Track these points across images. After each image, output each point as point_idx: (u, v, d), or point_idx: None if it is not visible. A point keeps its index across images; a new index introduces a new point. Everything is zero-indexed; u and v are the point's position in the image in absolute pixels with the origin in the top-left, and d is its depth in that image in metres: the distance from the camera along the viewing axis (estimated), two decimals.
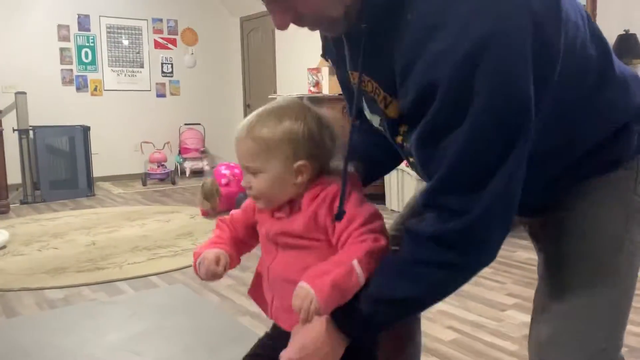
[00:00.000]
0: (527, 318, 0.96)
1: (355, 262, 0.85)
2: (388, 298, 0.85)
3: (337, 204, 0.88)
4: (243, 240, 1.04)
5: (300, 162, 0.89)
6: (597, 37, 0.86)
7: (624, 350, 1.91)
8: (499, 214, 0.78)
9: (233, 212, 1.06)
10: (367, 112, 0.96)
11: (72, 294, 2.70)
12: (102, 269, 3.05)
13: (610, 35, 4.58)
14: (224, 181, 4.36)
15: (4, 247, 3.53)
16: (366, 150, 1.05)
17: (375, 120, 0.95)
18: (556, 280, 0.90)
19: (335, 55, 0.97)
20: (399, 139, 0.88)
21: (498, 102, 0.71)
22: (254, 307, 2.48)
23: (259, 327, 2.23)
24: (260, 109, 0.94)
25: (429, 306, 0.89)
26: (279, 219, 0.94)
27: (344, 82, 1.00)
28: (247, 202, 1.03)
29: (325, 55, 1.03)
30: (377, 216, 0.91)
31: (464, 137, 0.73)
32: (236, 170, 4.45)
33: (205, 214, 4.40)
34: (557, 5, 0.74)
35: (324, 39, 1.01)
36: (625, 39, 4.46)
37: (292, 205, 0.93)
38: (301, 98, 0.96)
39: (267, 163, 0.89)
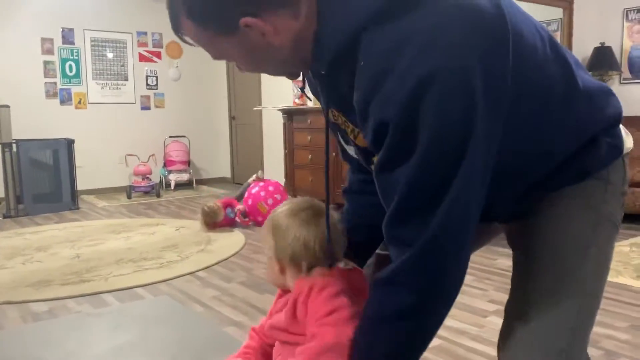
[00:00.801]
0: None
1: None
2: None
3: (313, 297, 0.93)
4: (272, 347, 1.07)
5: (281, 258, 0.98)
6: (560, 54, 0.89)
7: (600, 353, 1.96)
8: (448, 242, 0.79)
9: (263, 319, 1.11)
10: (344, 144, 1.03)
11: (57, 306, 2.69)
12: (87, 282, 3.04)
13: (587, 48, 4.71)
14: (270, 201, 4.49)
15: None
16: (364, 215, 1.10)
17: (351, 151, 1.01)
18: (524, 283, 0.94)
19: (314, 91, 1.05)
20: (372, 167, 0.92)
21: (441, 135, 0.74)
22: (239, 317, 2.50)
23: (243, 337, 2.24)
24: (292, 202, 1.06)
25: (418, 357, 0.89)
26: (276, 313, 1.01)
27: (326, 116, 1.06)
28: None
29: (303, 89, 1.07)
30: (341, 308, 0.92)
31: (411, 169, 0.77)
32: (270, 188, 4.57)
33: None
34: (505, 37, 0.77)
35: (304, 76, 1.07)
36: (602, 51, 4.58)
37: (286, 300, 0.98)
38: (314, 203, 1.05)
39: (266, 243, 1.02)
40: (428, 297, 0.82)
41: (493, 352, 2.06)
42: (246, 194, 4.55)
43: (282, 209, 1.01)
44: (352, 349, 0.88)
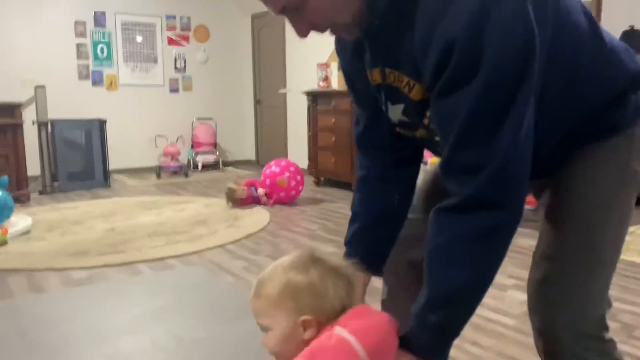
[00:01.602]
0: (526, 297, 1.04)
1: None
2: (447, 298, 0.86)
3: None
4: None
5: (304, 317, 0.84)
6: (585, 7, 0.94)
7: (617, 326, 2.02)
8: (518, 159, 0.82)
9: None
10: (387, 108, 1.02)
11: (95, 274, 2.85)
12: (122, 252, 3.20)
13: (615, 31, 4.66)
14: (286, 174, 4.59)
15: (27, 232, 3.70)
16: (380, 209, 1.10)
17: (396, 113, 1.00)
18: (552, 233, 0.98)
19: (350, 58, 1.05)
20: (425, 120, 0.95)
21: (506, 53, 0.77)
22: None
23: None
24: (274, 263, 0.92)
25: (492, 280, 0.88)
26: None
27: (360, 88, 1.07)
28: None
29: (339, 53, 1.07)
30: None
31: (476, 90, 0.79)
32: (282, 163, 4.68)
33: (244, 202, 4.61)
34: None
35: (337, 41, 1.08)
36: (630, 34, 4.54)
37: None
38: (310, 255, 0.93)
39: (273, 319, 0.86)
40: (504, 217, 0.84)
41: (510, 322, 2.14)
42: (261, 179, 4.66)
43: (285, 273, 0.87)
44: (428, 281, 0.87)
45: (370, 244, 1.11)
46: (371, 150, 1.14)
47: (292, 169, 4.65)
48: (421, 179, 1.22)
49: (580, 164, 0.97)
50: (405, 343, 0.88)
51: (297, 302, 0.85)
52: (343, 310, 0.86)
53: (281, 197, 4.61)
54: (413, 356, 0.88)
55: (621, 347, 1.96)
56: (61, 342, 2.01)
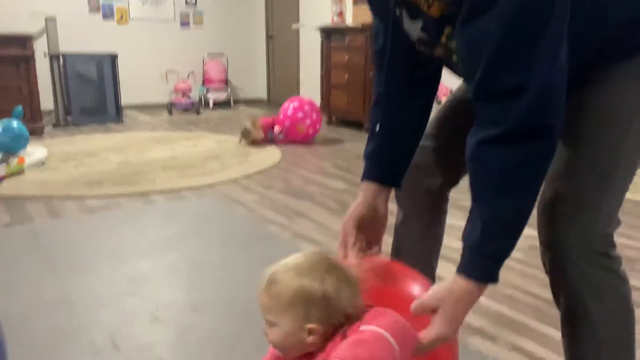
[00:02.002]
0: (534, 232, 1.04)
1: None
2: (504, 226, 0.87)
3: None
4: None
5: (311, 325, 0.84)
6: None
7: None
8: (560, 75, 0.81)
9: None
10: (406, 24, 1.00)
11: (111, 203, 2.92)
12: (137, 183, 3.26)
13: None
14: (307, 122, 4.57)
15: (43, 162, 3.76)
16: (395, 131, 1.10)
17: (415, 29, 0.99)
18: (566, 151, 0.98)
19: None
20: (443, 38, 0.94)
21: None
22: (278, 217, 2.68)
23: (283, 235, 2.43)
24: (286, 260, 0.90)
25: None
26: None
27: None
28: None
29: None
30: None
31: (508, 9, 0.76)
32: (306, 107, 4.61)
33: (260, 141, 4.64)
34: None
35: None
36: None
37: (309, 355, 0.88)
38: (325, 257, 0.90)
39: (280, 318, 0.86)
40: (551, 141, 0.84)
41: (517, 254, 2.19)
42: (281, 115, 4.64)
43: (300, 277, 0.86)
44: (481, 213, 0.87)
45: (390, 157, 1.12)
46: (391, 66, 1.12)
47: (314, 116, 4.61)
48: (434, 109, 1.22)
49: (602, 83, 0.96)
50: (461, 271, 0.89)
51: (307, 310, 0.84)
52: (348, 319, 0.86)
53: (296, 140, 4.60)
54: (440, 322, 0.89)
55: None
56: (82, 263, 2.09)
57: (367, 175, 1.12)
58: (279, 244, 2.29)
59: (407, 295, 0.98)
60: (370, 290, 0.90)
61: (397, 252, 1.30)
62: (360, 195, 1.10)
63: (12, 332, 1.41)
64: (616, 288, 0.98)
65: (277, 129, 4.59)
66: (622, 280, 0.99)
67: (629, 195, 1.04)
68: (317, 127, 4.66)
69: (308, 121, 4.57)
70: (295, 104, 4.62)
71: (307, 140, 4.66)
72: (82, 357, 1.46)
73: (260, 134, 4.52)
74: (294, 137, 4.58)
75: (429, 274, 1.28)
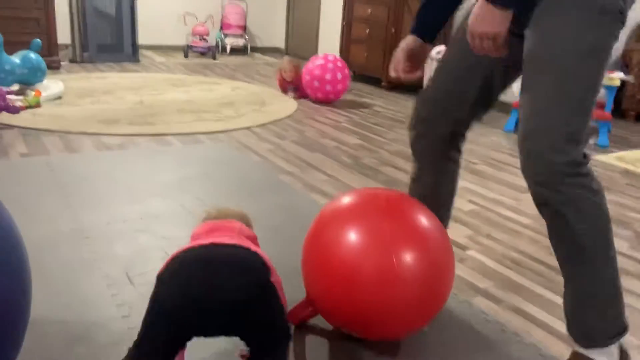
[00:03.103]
0: None
1: None
2: None
3: None
4: None
5: None
6: None
7: (630, 234, 2.07)
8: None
9: None
10: None
11: (126, 141, 2.94)
12: (152, 124, 3.27)
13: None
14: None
15: (59, 97, 3.77)
16: None
17: None
18: (529, 76, 1.10)
19: None
20: None
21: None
22: (291, 168, 2.69)
23: (295, 184, 2.45)
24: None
25: None
26: None
27: None
28: None
29: None
30: None
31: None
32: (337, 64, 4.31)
33: (284, 87, 4.57)
34: None
35: None
36: None
37: None
38: None
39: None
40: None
41: (526, 220, 2.20)
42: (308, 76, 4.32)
43: None
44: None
45: (432, 16, 1.36)
46: None
47: (333, 65, 4.25)
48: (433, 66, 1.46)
49: (554, 11, 1.06)
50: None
51: None
52: None
53: (319, 97, 4.34)
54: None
55: (633, 253, 2.02)
56: (96, 197, 2.13)
57: (411, 30, 1.38)
58: (291, 192, 2.32)
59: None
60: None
61: None
62: (409, 37, 1.38)
63: (30, 261, 1.46)
64: (589, 199, 1.08)
65: (291, 93, 4.49)
66: (595, 192, 1.09)
67: None
68: (347, 83, 4.34)
69: (339, 86, 4.28)
70: (321, 61, 4.26)
71: (336, 97, 4.42)
72: (98, 289, 1.51)
73: (290, 77, 4.46)
74: (315, 93, 4.34)
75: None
